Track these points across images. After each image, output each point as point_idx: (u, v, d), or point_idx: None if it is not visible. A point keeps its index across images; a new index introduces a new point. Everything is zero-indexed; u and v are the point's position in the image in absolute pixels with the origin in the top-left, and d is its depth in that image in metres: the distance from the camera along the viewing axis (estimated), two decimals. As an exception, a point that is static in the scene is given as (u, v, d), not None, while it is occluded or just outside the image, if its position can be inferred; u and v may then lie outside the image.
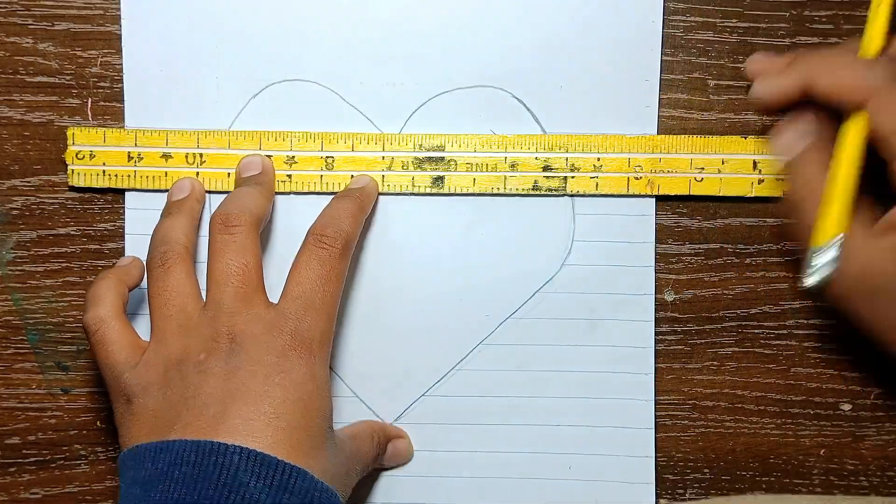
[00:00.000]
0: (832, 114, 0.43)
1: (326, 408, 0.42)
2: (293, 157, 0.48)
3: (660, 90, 0.49)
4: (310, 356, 0.42)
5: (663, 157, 0.48)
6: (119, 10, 0.48)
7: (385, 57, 0.49)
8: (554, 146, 0.48)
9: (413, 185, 0.49)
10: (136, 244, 0.49)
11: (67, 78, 0.49)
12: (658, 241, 0.49)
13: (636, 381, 0.49)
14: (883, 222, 0.42)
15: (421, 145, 0.48)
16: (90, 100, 0.49)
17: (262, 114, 0.49)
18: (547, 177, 0.48)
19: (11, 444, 0.50)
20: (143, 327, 0.47)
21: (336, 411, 0.47)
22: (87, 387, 0.50)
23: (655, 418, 0.49)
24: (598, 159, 0.48)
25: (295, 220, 0.48)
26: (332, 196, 0.48)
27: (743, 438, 0.50)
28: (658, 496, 0.49)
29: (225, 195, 0.47)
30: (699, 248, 0.49)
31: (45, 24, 0.49)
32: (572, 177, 0.48)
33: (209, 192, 0.49)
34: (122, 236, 0.49)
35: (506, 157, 0.48)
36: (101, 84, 0.49)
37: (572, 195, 0.49)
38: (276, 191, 0.48)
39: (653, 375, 0.49)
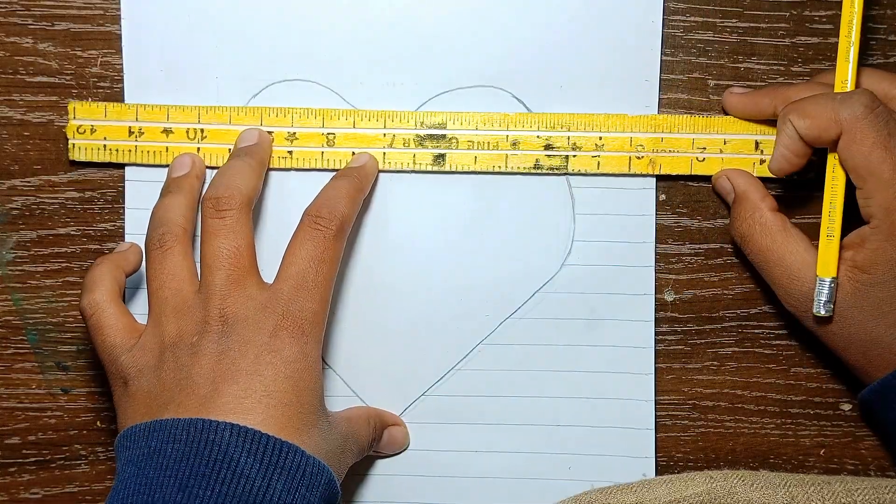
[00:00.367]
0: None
1: (318, 386, 0.42)
2: (294, 133, 0.48)
3: (660, 90, 0.49)
4: (301, 335, 0.42)
5: (665, 137, 0.48)
6: (119, 10, 0.48)
7: (385, 57, 0.49)
8: (556, 125, 0.48)
9: (414, 163, 0.49)
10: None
11: (67, 78, 0.49)
12: (658, 241, 0.49)
13: (636, 381, 0.49)
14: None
15: (423, 122, 0.48)
16: (90, 100, 0.49)
17: (262, 114, 0.49)
18: (549, 155, 0.48)
19: (11, 444, 0.50)
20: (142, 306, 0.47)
21: (335, 410, 0.47)
22: (87, 387, 0.50)
23: (655, 418, 0.49)
24: (600, 138, 0.48)
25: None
26: (332, 174, 0.48)
27: (743, 438, 0.50)
28: (658, 496, 0.49)
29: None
30: (699, 248, 0.49)
31: (45, 24, 0.49)
32: (574, 156, 0.48)
33: (210, 167, 0.48)
34: (122, 236, 0.49)
35: (507, 136, 0.48)
36: (101, 84, 0.49)
37: (574, 174, 0.49)
38: (277, 167, 0.48)
39: (653, 375, 0.49)
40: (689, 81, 0.49)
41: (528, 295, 0.49)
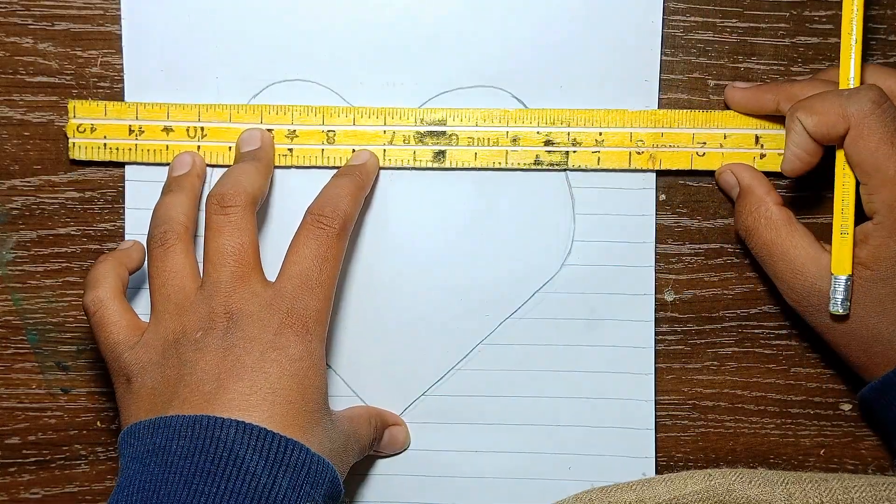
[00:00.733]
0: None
1: (322, 385, 0.43)
2: (294, 131, 0.48)
3: (660, 90, 0.49)
4: (306, 334, 0.42)
5: (665, 132, 0.48)
6: (119, 10, 0.48)
7: (385, 57, 0.49)
8: (556, 120, 0.48)
9: (415, 160, 0.49)
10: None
11: (67, 78, 0.49)
12: (658, 241, 0.49)
13: (636, 381, 0.49)
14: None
15: (422, 119, 0.48)
16: (90, 99, 0.49)
17: (262, 114, 0.49)
18: (549, 151, 0.48)
19: (11, 444, 0.50)
20: (144, 305, 0.47)
21: (337, 410, 0.47)
22: (87, 387, 0.50)
23: (655, 418, 0.49)
24: (600, 134, 0.48)
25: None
26: (334, 172, 0.48)
27: (743, 438, 0.50)
28: (658, 496, 0.49)
29: (226, 169, 0.47)
30: (699, 248, 0.49)
31: (45, 24, 0.49)
32: (574, 151, 0.48)
33: (210, 165, 0.49)
34: (122, 236, 0.49)
35: (507, 132, 0.48)
36: (101, 84, 0.49)
37: (574, 170, 0.49)
38: (278, 164, 0.48)
39: (653, 375, 0.49)
40: (689, 81, 0.49)
41: (528, 295, 0.49)
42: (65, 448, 0.50)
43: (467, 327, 0.49)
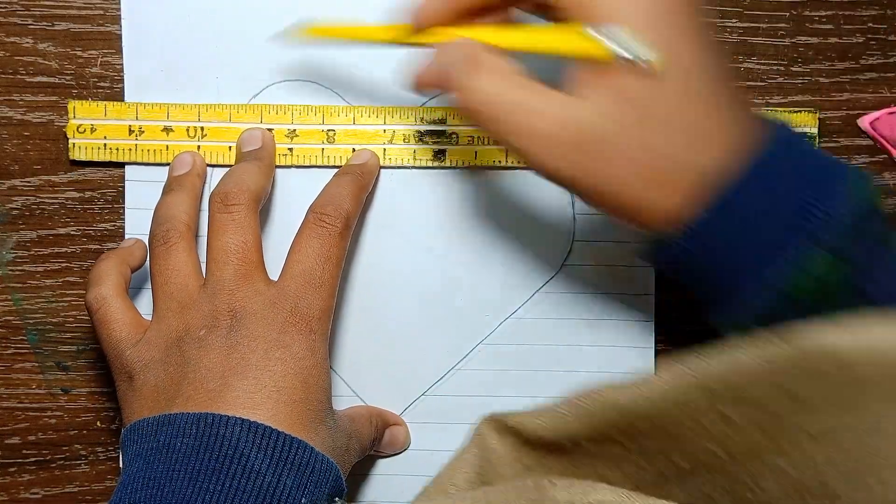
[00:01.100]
0: None
1: (326, 383, 0.43)
2: (294, 130, 0.49)
3: (660, 90, 0.49)
4: (309, 332, 0.42)
5: None
6: (119, 10, 0.48)
7: (385, 57, 0.49)
8: None
9: (415, 159, 0.49)
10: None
11: (67, 78, 0.49)
12: (658, 240, 0.49)
13: (636, 381, 0.49)
14: (571, 81, 0.39)
15: (423, 118, 0.48)
16: (90, 100, 0.49)
17: (262, 114, 0.49)
18: None
19: (11, 444, 0.50)
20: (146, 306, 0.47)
21: (336, 410, 0.47)
22: (87, 387, 0.50)
23: (655, 418, 0.49)
24: None
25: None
26: (334, 171, 0.48)
27: (743, 438, 0.50)
28: (658, 496, 0.49)
29: (226, 169, 0.47)
30: (699, 248, 0.49)
31: (45, 24, 0.49)
32: None
33: (210, 165, 0.49)
34: (122, 236, 0.49)
35: None
36: (101, 84, 0.49)
37: None
38: (277, 164, 0.48)
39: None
40: (689, 81, 0.49)
41: (528, 295, 0.49)
42: (65, 448, 0.50)
43: (467, 327, 0.49)
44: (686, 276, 0.40)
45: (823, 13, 0.49)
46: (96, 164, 0.49)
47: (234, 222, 0.43)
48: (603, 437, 0.37)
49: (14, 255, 0.49)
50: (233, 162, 0.48)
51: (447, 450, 0.49)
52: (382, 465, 0.50)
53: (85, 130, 0.48)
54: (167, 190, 0.47)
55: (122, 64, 0.49)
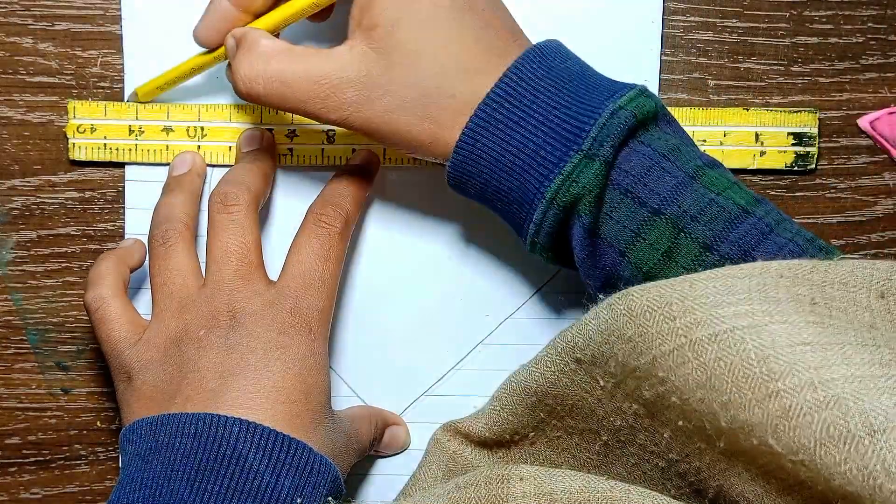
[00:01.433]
0: None
1: (325, 384, 0.43)
2: (294, 130, 0.49)
3: (660, 90, 0.49)
4: (309, 333, 0.42)
5: None
6: (119, 10, 0.48)
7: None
8: None
9: (414, 159, 0.48)
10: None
11: (67, 78, 0.49)
12: (658, 240, 0.49)
13: (636, 381, 0.49)
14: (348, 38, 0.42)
15: None
16: (90, 100, 0.49)
17: (262, 114, 0.49)
18: None
19: (11, 444, 0.50)
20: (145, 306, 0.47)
21: (336, 410, 0.47)
22: (87, 387, 0.50)
23: (655, 418, 0.49)
24: None
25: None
26: (333, 171, 0.48)
27: (743, 438, 0.50)
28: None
29: (226, 169, 0.47)
30: (699, 248, 0.49)
31: (45, 24, 0.49)
32: None
33: (210, 165, 0.49)
34: (122, 236, 0.49)
35: None
36: (101, 84, 0.49)
37: None
38: (278, 165, 0.48)
39: (653, 375, 0.49)
40: (689, 81, 0.49)
41: (528, 295, 0.49)
42: (65, 448, 0.50)
43: (467, 327, 0.49)
44: (484, 201, 0.43)
45: (823, 13, 0.49)
46: (96, 164, 0.49)
47: (233, 223, 0.43)
48: (536, 423, 0.39)
49: (14, 255, 0.49)
50: (233, 162, 0.48)
51: (447, 450, 0.50)
52: (382, 465, 0.50)
53: (85, 130, 0.48)
54: (167, 190, 0.47)
55: (122, 64, 0.49)
